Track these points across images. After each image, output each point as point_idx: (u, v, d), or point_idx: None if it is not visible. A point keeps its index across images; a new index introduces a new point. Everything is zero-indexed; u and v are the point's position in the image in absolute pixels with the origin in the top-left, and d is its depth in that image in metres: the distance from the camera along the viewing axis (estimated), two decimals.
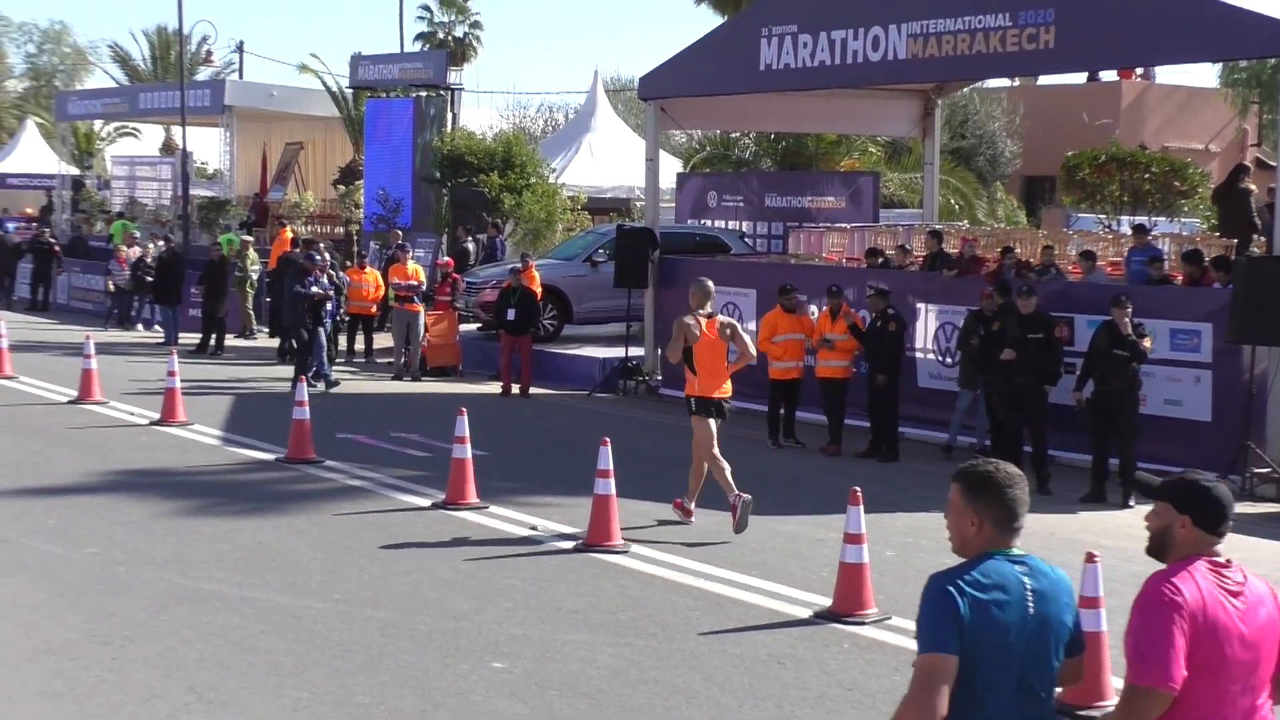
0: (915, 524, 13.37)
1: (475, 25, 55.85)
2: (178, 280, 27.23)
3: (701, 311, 13.31)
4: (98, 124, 55.95)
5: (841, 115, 24.92)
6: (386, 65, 34.18)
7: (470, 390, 22.06)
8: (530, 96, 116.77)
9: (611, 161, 35.67)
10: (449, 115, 32.86)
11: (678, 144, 44.12)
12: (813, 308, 18.65)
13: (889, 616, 10.00)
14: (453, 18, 54.96)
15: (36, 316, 32.29)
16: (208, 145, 46.47)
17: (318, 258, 21.77)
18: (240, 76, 55.56)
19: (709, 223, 27.31)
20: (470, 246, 28.37)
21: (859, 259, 22.60)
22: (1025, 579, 4.21)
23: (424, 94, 32.85)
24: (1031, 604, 4.19)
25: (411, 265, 24.03)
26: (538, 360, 22.61)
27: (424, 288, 23.99)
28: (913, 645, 4.30)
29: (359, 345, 25.67)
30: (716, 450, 12.98)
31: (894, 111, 24.58)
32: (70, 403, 19.33)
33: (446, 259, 26.76)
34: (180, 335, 26.71)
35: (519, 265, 23.29)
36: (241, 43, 58.25)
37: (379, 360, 25.11)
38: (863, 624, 9.86)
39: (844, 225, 25.17)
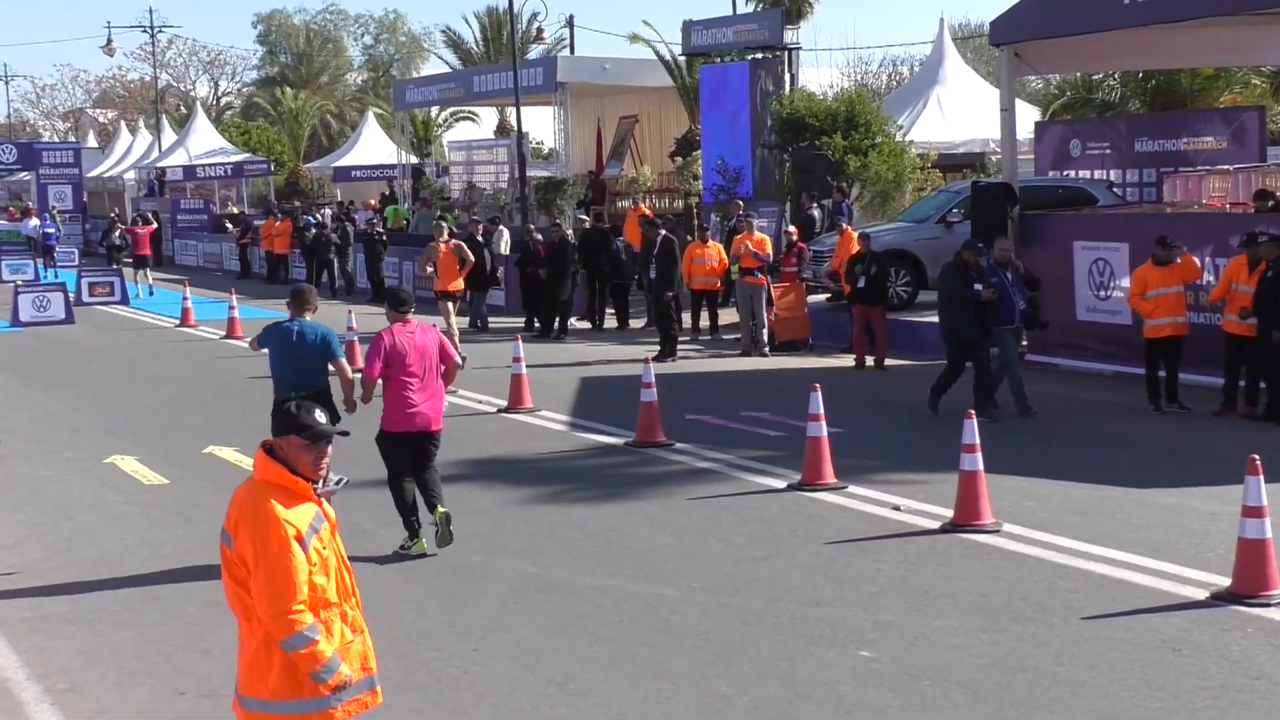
0: None
1: None
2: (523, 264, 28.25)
3: (441, 239, 24.47)
4: (434, 110, 58.30)
5: (1219, 46, 23.71)
6: (720, 29, 34.37)
7: (822, 364, 22.01)
8: (872, 51, 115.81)
9: (962, 114, 34.98)
10: (787, 76, 32.83)
11: (1034, 90, 42.98)
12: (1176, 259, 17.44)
13: None
14: None
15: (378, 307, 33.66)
16: (542, 124, 47.79)
17: (983, 247, 17.46)
18: (571, 52, 56.91)
19: (1072, 173, 26.47)
20: (815, 213, 28.28)
21: (1245, 203, 21.48)
22: (293, 327, 11.65)
23: (760, 56, 32.92)
24: (295, 334, 11.63)
25: (757, 235, 24.08)
26: (892, 329, 22.40)
27: (769, 259, 24.04)
28: None
29: (704, 322, 25.94)
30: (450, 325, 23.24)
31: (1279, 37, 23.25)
32: None
33: (791, 228, 26.77)
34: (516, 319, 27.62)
35: (861, 229, 23.12)
36: (571, 17, 59.58)
37: (725, 337, 25.32)
38: (1268, 605, 9.37)
39: (1226, 167, 23.97)
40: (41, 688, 8.73)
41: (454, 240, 24.97)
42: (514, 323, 27.67)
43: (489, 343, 25.60)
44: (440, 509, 11.31)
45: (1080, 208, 23.62)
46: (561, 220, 33.73)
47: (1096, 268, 20.31)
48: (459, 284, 24.22)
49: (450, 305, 23.95)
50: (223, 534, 5.67)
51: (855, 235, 23.19)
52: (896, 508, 12.57)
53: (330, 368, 11.78)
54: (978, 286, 16.72)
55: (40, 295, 32.34)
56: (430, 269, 24.39)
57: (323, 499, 5.74)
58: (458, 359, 11.74)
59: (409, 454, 11.51)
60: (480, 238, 30.45)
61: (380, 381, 11.36)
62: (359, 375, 11.64)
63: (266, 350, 11.94)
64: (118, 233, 41.42)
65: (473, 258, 24.77)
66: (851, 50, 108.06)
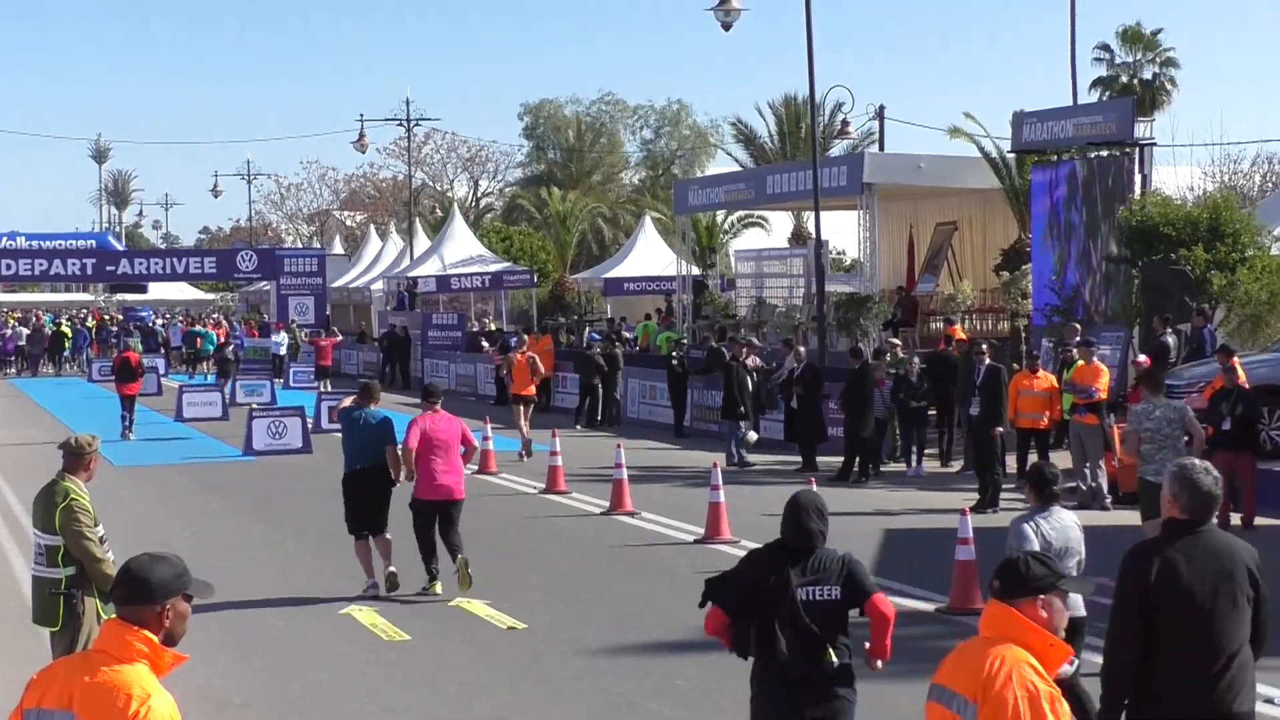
0: None
1: (1169, 63, 55.18)
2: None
3: (518, 351, 33.13)
4: (720, 215, 59.11)
5: None
6: (1057, 121, 34.18)
7: None
8: (1243, 146, 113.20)
9: None
10: (1138, 177, 32.42)
11: None
12: None
13: None
14: (1139, 56, 54.50)
15: (600, 434, 34.33)
16: (845, 231, 48.06)
17: None
18: (881, 148, 57.13)
19: None
20: (1170, 340, 27.70)
21: None
22: (361, 414, 17.28)
23: (1105, 154, 32.59)
24: (362, 421, 17.24)
25: (1094, 365, 23.66)
26: (1264, 482, 21.74)
27: (1093, 392, 23.62)
28: None
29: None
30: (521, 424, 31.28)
31: None
32: (697, 542, 20.27)
33: (1141, 357, 26.26)
34: (819, 459, 27.66)
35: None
36: (882, 108, 59.75)
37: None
38: None
39: None
40: None
41: (529, 353, 32.90)
42: (793, 459, 27.97)
43: (771, 484, 25.63)
44: (460, 555, 16.50)
45: None
46: (864, 343, 33.68)
47: None
48: (530, 390, 32.18)
49: (523, 409, 31.67)
50: (941, 692, 6.01)
51: (1238, 365, 22.34)
52: (1270, 700, 12.13)
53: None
54: None
55: (276, 420, 33.59)
56: (505, 373, 33.18)
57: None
58: (475, 443, 17.71)
59: (435, 518, 16.74)
60: (756, 361, 30.87)
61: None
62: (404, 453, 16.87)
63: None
64: (199, 338, 46.72)
65: (544, 369, 34.40)
66: (1217, 146, 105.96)
